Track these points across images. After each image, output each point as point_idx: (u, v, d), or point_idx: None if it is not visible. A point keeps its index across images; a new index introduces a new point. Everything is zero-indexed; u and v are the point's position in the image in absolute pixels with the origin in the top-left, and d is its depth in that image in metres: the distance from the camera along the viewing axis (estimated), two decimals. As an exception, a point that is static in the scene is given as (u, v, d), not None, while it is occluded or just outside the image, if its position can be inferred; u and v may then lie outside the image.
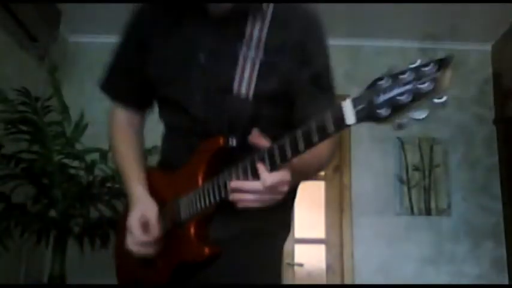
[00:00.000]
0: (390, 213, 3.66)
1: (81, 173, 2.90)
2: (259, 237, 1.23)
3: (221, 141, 1.14)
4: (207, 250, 1.15)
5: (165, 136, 1.36)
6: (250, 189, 1.02)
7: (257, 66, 1.15)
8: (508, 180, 3.59)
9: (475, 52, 3.91)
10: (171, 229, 1.23)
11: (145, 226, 1.23)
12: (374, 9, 3.44)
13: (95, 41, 3.87)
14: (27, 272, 3.23)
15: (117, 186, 2.87)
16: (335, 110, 0.87)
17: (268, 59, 1.15)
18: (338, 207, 3.71)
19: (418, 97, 0.76)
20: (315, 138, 0.91)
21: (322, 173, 3.77)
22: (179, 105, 1.23)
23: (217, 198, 1.11)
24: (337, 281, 3.60)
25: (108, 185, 2.90)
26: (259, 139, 1.03)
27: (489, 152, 3.75)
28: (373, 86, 0.81)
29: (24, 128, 2.77)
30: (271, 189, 1.01)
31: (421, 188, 3.69)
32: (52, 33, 3.29)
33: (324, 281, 3.62)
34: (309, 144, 0.93)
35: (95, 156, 2.91)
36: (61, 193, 2.77)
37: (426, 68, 0.77)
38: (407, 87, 0.77)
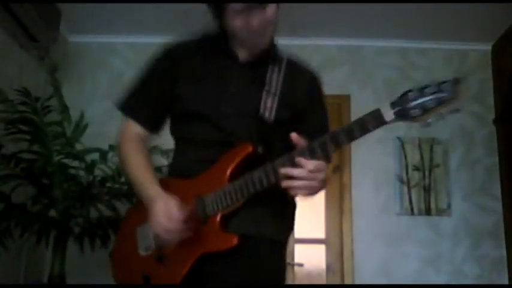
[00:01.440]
0: (390, 213, 3.66)
1: (81, 173, 2.90)
2: (272, 244, 1.42)
3: (251, 147, 1.36)
4: (235, 239, 1.29)
5: (180, 150, 1.55)
6: (296, 174, 1.23)
7: (276, 100, 1.45)
8: (508, 180, 3.59)
9: (475, 52, 3.91)
10: (191, 226, 1.34)
11: (169, 214, 1.33)
12: (374, 9, 3.44)
13: (95, 41, 3.87)
14: (27, 272, 3.22)
15: (117, 186, 2.87)
16: (374, 111, 1.17)
17: (284, 96, 1.46)
18: (338, 207, 3.71)
19: (441, 103, 1.09)
20: (357, 133, 1.19)
21: (322, 173, 3.76)
22: (208, 119, 1.43)
23: (256, 188, 1.30)
24: (337, 281, 3.60)
25: (108, 185, 2.90)
26: (298, 139, 1.26)
27: (489, 152, 3.75)
28: (405, 96, 1.14)
29: (24, 128, 2.77)
30: (313, 173, 1.23)
31: (421, 188, 3.69)
32: (52, 33, 3.28)
33: (324, 281, 3.62)
34: (350, 138, 1.20)
35: (95, 156, 2.91)
36: (61, 193, 2.77)
37: (444, 84, 1.09)
38: (433, 96, 1.11)
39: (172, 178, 1.52)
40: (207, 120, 1.43)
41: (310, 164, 1.23)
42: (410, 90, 1.13)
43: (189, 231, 1.34)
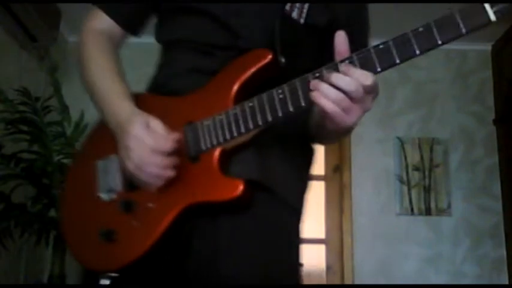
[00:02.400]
0: (390, 213, 3.66)
1: (81, 173, 2.89)
2: (290, 211, 1.03)
3: (270, 54, 0.93)
4: (241, 185, 0.90)
5: (168, 58, 1.12)
6: (343, 85, 0.81)
7: None
8: (508, 180, 3.59)
9: (475, 52, 3.91)
10: (177, 163, 0.96)
11: (151, 141, 0.93)
12: (374, 9, 3.44)
13: (95, 41, 3.87)
14: (27, 272, 3.22)
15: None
16: (467, 7, 0.81)
17: None
18: (338, 207, 3.71)
19: None
20: (440, 39, 0.82)
21: (322, 173, 3.77)
22: (213, 15, 1.03)
23: (277, 113, 0.88)
24: (337, 281, 3.59)
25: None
26: (345, 42, 0.85)
27: (489, 152, 3.75)
28: None
29: (24, 128, 2.77)
30: (367, 89, 0.82)
31: (421, 188, 3.69)
32: (52, 33, 3.28)
33: (324, 281, 3.62)
34: (428, 45, 0.82)
35: (95, 156, 2.90)
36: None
37: None
38: None
39: (153, 95, 1.09)
40: (211, 15, 1.03)
41: (362, 75, 0.81)
42: None
43: (172, 170, 0.95)
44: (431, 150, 3.75)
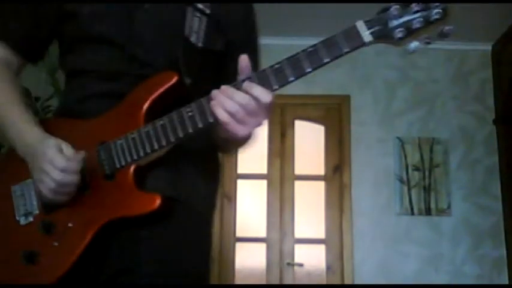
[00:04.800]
0: (390, 213, 3.66)
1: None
2: (201, 217, 1.10)
3: (175, 77, 0.99)
4: (158, 199, 0.95)
5: (73, 85, 1.13)
6: (239, 100, 0.90)
7: (205, 22, 1.10)
8: (508, 180, 3.59)
9: (475, 52, 3.91)
10: (89, 183, 1.00)
11: (61, 162, 0.97)
12: (374, 9, 3.44)
13: (95, 41, 3.87)
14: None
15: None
16: (348, 29, 0.92)
17: (216, 18, 1.12)
18: (338, 207, 3.71)
19: (429, 23, 0.87)
20: (326, 58, 0.92)
21: (322, 173, 3.77)
22: (116, 44, 1.07)
23: (187, 130, 0.95)
24: (337, 281, 3.60)
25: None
26: (247, 63, 0.94)
27: (489, 152, 3.75)
28: (383, 13, 0.92)
29: (24, 128, 2.77)
30: (258, 102, 0.90)
31: (421, 188, 3.69)
32: (52, 33, 3.28)
33: (324, 281, 3.62)
34: (316, 62, 0.91)
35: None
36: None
37: (432, 3, 0.88)
38: (419, 14, 0.88)
39: (62, 118, 1.11)
40: (115, 45, 1.06)
41: (263, 92, 0.90)
42: (389, 7, 0.91)
43: (86, 189, 1.00)
44: (431, 150, 3.75)
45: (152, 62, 1.06)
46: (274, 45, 3.93)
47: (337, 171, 3.76)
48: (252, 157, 3.62)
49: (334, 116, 3.85)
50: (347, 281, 3.56)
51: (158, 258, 0.99)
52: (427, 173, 3.71)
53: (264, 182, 3.79)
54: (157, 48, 1.08)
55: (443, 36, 0.89)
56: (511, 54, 3.62)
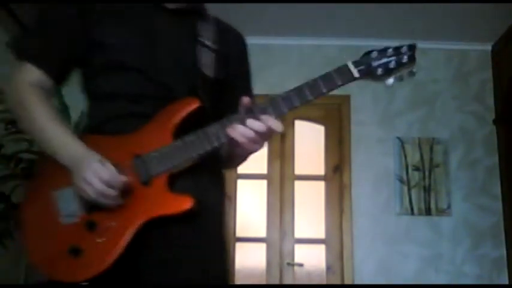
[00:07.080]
0: (390, 213, 3.66)
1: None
2: (222, 219, 1.31)
3: (198, 102, 1.21)
4: (191, 200, 1.15)
5: (100, 106, 1.28)
6: (257, 128, 1.13)
7: (214, 57, 1.32)
8: (508, 180, 3.59)
9: (475, 52, 3.91)
10: (130, 189, 1.17)
11: (107, 177, 1.14)
12: (374, 9, 3.45)
13: (95, 41, 3.87)
14: (27, 272, 3.22)
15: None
16: (342, 67, 1.17)
17: (220, 54, 1.34)
18: (338, 207, 3.71)
19: (400, 65, 1.18)
20: (324, 88, 1.15)
21: (322, 173, 3.77)
22: (141, 71, 1.24)
23: (213, 144, 1.16)
24: (337, 281, 3.60)
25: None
26: (249, 101, 1.17)
27: (489, 152, 3.75)
28: (367, 56, 1.18)
29: (24, 128, 2.77)
30: (271, 131, 1.14)
31: (421, 188, 3.69)
32: (52, 33, 3.28)
33: (324, 281, 3.62)
34: (317, 92, 1.15)
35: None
36: (61, 193, 2.78)
37: (402, 49, 1.17)
38: (392, 58, 1.17)
39: (95, 135, 1.25)
40: (140, 72, 1.24)
41: (275, 123, 1.14)
42: (371, 51, 1.18)
43: (127, 196, 1.17)
44: (431, 150, 3.75)
45: (173, 89, 1.24)
46: (275, 45, 3.95)
47: (337, 171, 3.76)
48: (252, 157, 3.62)
49: (334, 116, 3.85)
50: (347, 281, 3.56)
51: (187, 253, 1.18)
52: (427, 173, 3.72)
53: (264, 182, 3.80)
54: (177, 77, 1.26)
55: (411, 74, 1.19)
56: (511, 54, 3.62)
